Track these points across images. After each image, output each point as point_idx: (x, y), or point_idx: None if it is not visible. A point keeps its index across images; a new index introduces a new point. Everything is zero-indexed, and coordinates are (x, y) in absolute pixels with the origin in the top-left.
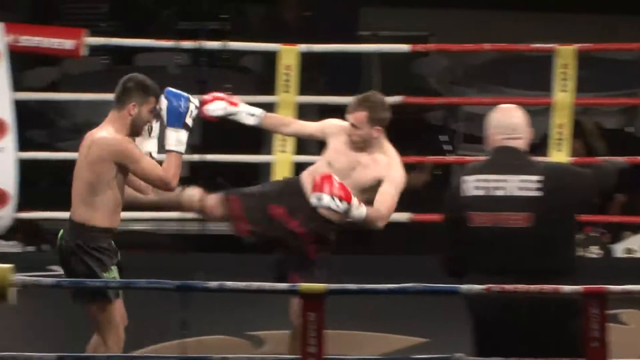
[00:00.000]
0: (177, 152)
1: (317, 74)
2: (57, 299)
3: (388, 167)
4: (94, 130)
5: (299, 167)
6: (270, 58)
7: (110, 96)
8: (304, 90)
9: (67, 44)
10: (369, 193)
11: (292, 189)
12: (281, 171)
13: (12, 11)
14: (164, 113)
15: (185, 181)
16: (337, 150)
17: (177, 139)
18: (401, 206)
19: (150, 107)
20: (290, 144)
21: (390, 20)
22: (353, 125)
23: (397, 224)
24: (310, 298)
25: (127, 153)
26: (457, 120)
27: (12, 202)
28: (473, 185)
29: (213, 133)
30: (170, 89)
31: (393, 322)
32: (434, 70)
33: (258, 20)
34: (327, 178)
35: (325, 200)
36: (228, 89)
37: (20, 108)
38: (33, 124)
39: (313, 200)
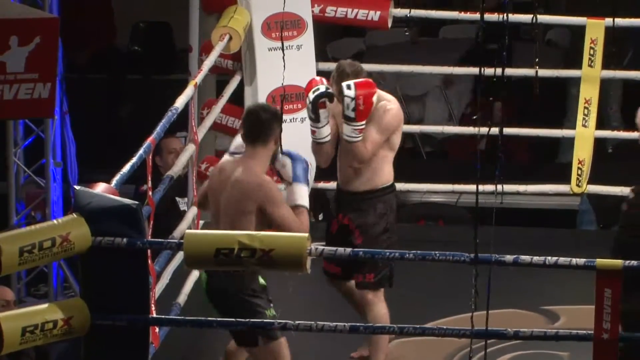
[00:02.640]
0: (304, 207)
1: (623, 49)
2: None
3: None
4: (232, 166)
5: (599, 143)
6: (576, 32)
7: (413, 68)
8: (609, 65)
9: (373, 15)
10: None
11: None
12: (582, 147)
13: None
14: (288, 169)
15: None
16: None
17: (302, 194)
18: None
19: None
20: (593, 118)
21: None
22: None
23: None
24: (607, 274)
25: (271, 196)
26: None
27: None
28: None
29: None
30: (291, 150)
31: None
32: None
33: None
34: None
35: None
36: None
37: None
38: None
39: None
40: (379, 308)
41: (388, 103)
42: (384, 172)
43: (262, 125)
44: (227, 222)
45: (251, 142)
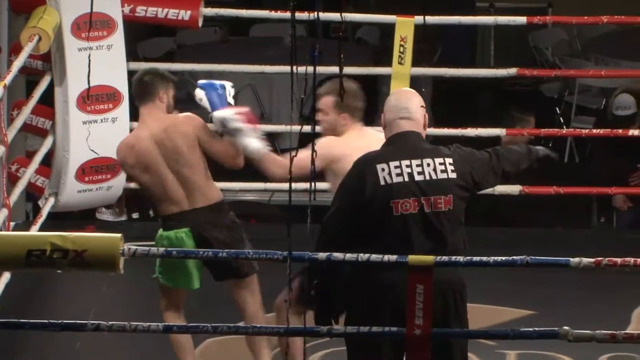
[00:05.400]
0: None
1: (432, 46)
2: None
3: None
4: (142, 130)
5: None
6: (385, 29)
7: (225, 67)
8: (418, 62)
9: (184, 14)
10: None
11: None
12: None
13: None
14: (205, 102)
15: None
16: None
17: (223, 118)
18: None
19: (173, 94)
20: None
21: None
22: (320, 109)
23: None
24: (418, 270)
25: (206, 127)
26: (572, 93)
27: (123, 172)
28: (394, 172)
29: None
30: (203, 80)
31: (501, 295)
32: (550, 43)
33: None
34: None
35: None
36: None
37: None
38: None
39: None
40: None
41: None
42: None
43: (145, 85)
44: (186, 166)
45: (143, 103)
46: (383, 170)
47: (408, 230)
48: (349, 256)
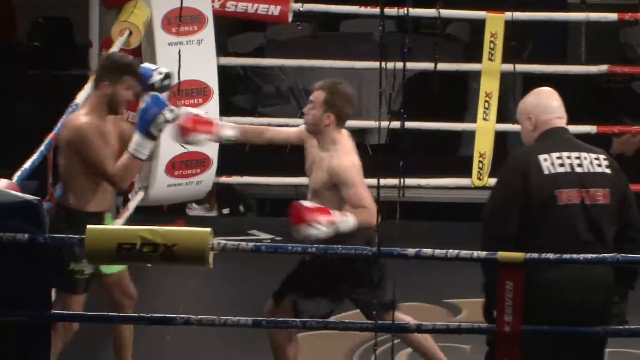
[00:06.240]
0: (134, 155)
1: (522, 43)
2: (254, 264)
3: (329, 159)
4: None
5: (500, 136)
6: (476, 26)
7: (314, 62)
8: (509, 58)
9: (274, 9)
10: (326, 193)
11: None
12: (482, 140)
13: None
14: (139, 112)
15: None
16: (307, 153)
17: (139, 143)
18: None
19: (127, 86)
20: (493, 112)
21: None
22: (311, 101)
23: None
24: (508, 267)
25: (82, 139)
26: None
27: (213, 167)
28: (556, 162)
29: (415, 99)
30: (155, 94)
31: None
32: None
33: None
34: (298, 209)
35: (307, 232)
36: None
37: (225, 73)
38: (238, 89)
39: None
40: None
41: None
42: None
43: (98, 71)
44: None
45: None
46: (545, 160)
47: (573, 221)
48: (437, 252)
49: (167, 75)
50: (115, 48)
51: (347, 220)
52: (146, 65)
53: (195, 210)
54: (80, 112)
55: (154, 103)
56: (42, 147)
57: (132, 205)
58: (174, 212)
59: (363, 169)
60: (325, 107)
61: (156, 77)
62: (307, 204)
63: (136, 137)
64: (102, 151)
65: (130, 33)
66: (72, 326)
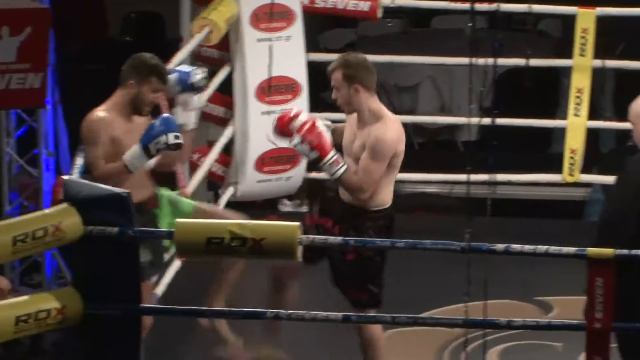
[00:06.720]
0: (126, 164)
1: (615, 39)
2: None
3: (369, 133)
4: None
5: (591, 133)
6: (567, 21)
7: (405, 58)
8: (600, 55)
9: (363, 5)
10: None
11: None
12: (574, 136)
13: None
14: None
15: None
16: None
17: (135, 155)
18: None
19: (153, 87)
20: (585, 108)
21: None
22: (333, 86)
23: None
24: (598, 263)
25: (87, 132)
26: None
27: (303, 163)
28: None
29: (506, 96)
30: (168, 115)
31: None
32: None
33: None
34: (296, 117)
35: (294, 142)
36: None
37: (316, 69)
38: (328, 85)
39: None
40: (374, 329)
41: (383, 127)
42: (378, 195)
43: (124, 70)
44: None
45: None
46: None
47: None
48: (526, 248)
49: (206, 76)
50: (189, 46)
51: (335, 168)
52: (184, 66)
53: (287, 206)
54: (100, 107)
55: (164, 123)
56: None
57: (223, 201)
58: (266, 208)
59: (454, 166)
60: (348, 82)
61: (196, 77)
62: (319, 124)
63: (135, 148)
64: (98, 148)
65: (210, 31)
66: (145, 323)
